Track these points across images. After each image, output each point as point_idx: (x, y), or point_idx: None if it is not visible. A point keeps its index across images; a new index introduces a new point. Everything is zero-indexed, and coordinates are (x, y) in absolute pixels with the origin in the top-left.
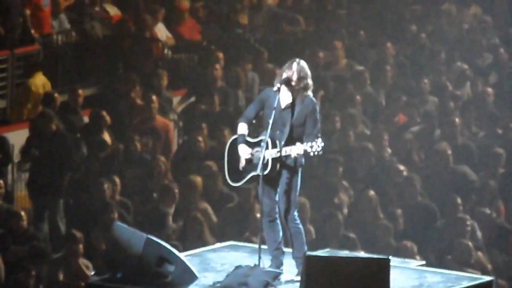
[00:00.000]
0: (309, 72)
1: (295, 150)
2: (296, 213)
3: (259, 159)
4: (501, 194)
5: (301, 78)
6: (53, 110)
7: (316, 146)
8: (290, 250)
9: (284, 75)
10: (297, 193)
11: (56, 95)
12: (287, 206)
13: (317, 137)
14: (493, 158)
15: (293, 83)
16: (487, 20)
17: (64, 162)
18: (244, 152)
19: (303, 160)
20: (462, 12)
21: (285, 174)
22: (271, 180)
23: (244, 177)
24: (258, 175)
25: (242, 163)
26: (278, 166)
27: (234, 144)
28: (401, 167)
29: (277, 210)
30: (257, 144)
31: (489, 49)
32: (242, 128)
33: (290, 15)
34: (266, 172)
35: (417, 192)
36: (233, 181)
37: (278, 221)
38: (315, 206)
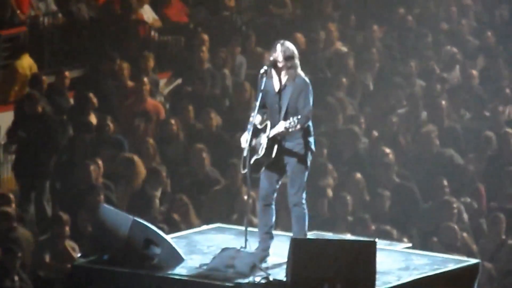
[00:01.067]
0: (295, 51)
1: (276, 128)
2: (303, 196)
3: (258, 144)
4: (486, 177)
5: (287, 58)
6: (40, 92)
7: (293, 121)
8: (280, 233)
9: (271, 58)
10: (305, 176)
11: (44, 77)
12: (292, 190)
13: (303, 114)
14: (480, 141)
15: (279, 65)
16: (473, 3)
17: (51, 144)
18: (243, 139)
19: (310, 140)
20: None
21: (292, 158)
22: (274, 165)
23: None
24: (262, 160)
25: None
26: (275, 149)
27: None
28: (387, 150)
29: (274, 195)
30: (263, 130)
31: (476, 32)
32: (256, 118)
33: None
34: (260, 155)
35: (398, 174)
36: (245, 168)
37: (273, 207)
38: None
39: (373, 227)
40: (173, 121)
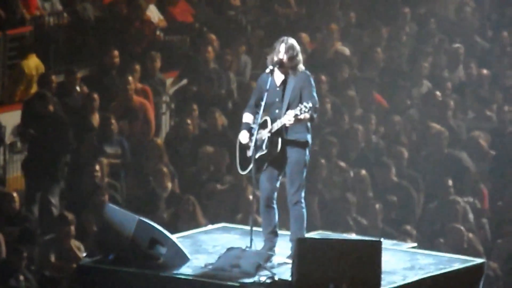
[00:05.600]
0: (298, 48)
1: (285, 118)
2: (302, 195)
3: (261, 140)
4: (489, 177)
5: (292, 57)
6: (49, 92)
7: (303, 107)
8: (285, 232)
9: (275, 58)
10: (304, 175)
11: (53, 76)
12: (292, 189)
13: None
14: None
15: (285, 64)
16: (480, 3)
17: (61, 144)
18: (244, 137)
19: (309, 138)
20: None
21: (291, 155)
22: (275, 163)
23: (250, 163)
24: (263, 158)
25: (250, 149)
26: (279, 143)
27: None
28: (402, 149)
29: (275, 195)
30: (261, 126)
31: (482, 32)
32: (246, 117)
33: None
34: (264, 152)
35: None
36: (242, 169)
37: (275, 206)
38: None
39: (380, 226)
40: (189, 121)
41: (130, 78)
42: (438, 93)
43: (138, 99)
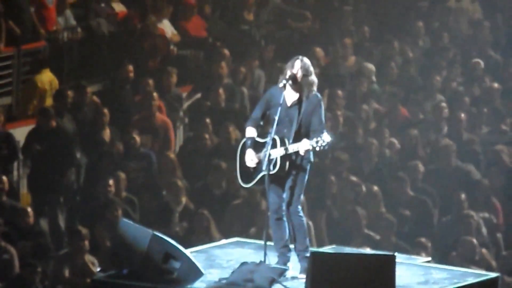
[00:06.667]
0: (312, 69)
1: (302, 146)
2: (300, 207)
3: (268, 158)
4: (504, 191)
5: (306, 75)
6: (64, 107)
7: (321, 141)
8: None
9: (289, 73)
10: (303, 188)
11: (69, 92)
12: (292, 200)
13: (322, 133)
14: (497, 155)
15: (298, 79)
16: (492, 17)
17: (65, 159)
18: (250, 158)
19: (311, 157)
20: (468, 9)
21: (293, 170)
22: (279, 178)
23: (254, 178)
24: (267, 175)
25: (252, 164)
26: (287, 164)
27: (245, 147)
28: (418, 163)
29: (284, 208)
30: (273, 144)
31: (495, 47)
32: (250, 131)
33: (296, 11)
34: (274, 171)
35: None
36: (244, 182)
37: (285, 219)
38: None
39: (393, 240)
40: (207, 136)
41: (155, 94)
42: (443, 104)
43: (160, 116)
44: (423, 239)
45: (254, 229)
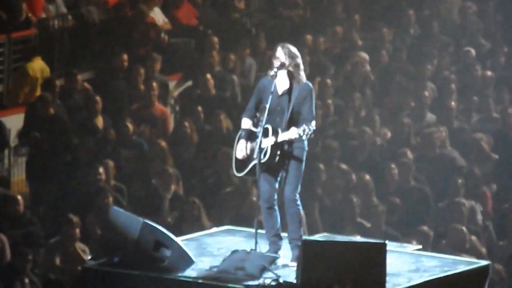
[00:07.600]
0: (297, 52)
1: (289, 134)
2: (297, 196)
3: (259, 148)
4: (493, 180)
5: (292, 58)
6: (52, 95)
7: (307, 129)
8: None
9: (277, 62)
10: (300, 177)
11: (57, 81)
12: (288, 189)
13: (311, 122)
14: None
15: (286, 66)
16: (485, 5)
17: (62, 146)
18: (240, 148)
19: (305, 145)
20: None
21: (285, 159)
22: (271, 167)
23: (247, 166)
24: (261, 164)
25: (241, 155)
26: (278, 153)
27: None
28: (406, 150)
29: (275, 197)
30: (264, 133)
31: (487, 34)
32: (245, 123)
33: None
34: (265, 159)
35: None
36: (238, 171)
37: (276, 208)
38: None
39: (383, 228)
40: (186, 124)
41: (154, 84)
42: (426, 93)
43: (159, 106)
44: (425, 227)
45: (246, 217)
